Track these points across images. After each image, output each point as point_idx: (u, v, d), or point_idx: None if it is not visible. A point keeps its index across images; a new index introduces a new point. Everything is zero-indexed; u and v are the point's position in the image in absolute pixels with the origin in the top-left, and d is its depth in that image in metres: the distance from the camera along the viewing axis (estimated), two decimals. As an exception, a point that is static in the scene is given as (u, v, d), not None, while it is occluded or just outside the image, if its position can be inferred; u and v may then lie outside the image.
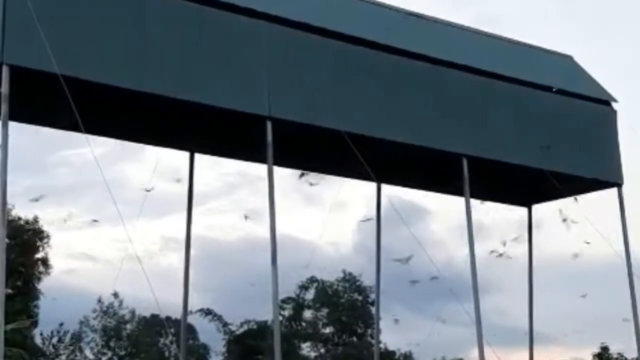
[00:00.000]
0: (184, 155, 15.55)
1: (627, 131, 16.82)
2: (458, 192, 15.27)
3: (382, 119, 14.11)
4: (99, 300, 43.18)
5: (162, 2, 12.36)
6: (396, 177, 16.91)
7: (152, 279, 11.24)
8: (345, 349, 45.68)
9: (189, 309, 17.89)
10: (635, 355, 16.17)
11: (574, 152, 16.36)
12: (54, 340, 41.90)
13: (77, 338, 42.84)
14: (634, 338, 16.17)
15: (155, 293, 11.46)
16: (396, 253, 16.86)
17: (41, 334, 41.01)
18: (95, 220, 17.89)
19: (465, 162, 14.86)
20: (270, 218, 12.74)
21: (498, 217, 18.78)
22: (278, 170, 13.52)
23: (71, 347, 42.52)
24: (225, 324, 44.87)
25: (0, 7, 10.89)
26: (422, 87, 14.71)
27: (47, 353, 41.29)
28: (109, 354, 43.47)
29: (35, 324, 37.99)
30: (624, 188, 16.82)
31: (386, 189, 17.16)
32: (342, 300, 47.48)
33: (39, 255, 37.98)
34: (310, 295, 47.61)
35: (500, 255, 17.68)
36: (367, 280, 43.41)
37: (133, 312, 44.01)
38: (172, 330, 33.67)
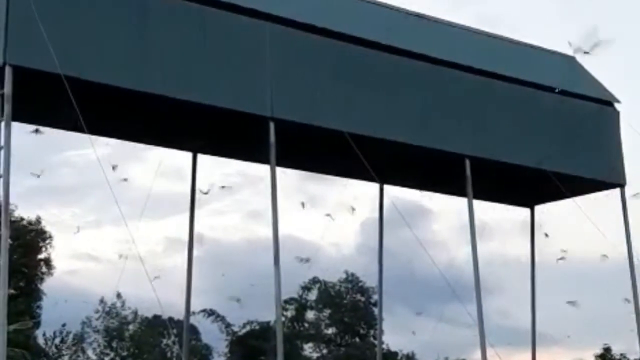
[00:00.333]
0: (187, 155, 15.58)
1: (630, 131, 16.83)
2: (460, 192, 15.25)
3: (384, 119, 14.10)
4: (102, 301, 43.28)
5: (164, 2, 12.35)
6: (398, 178, 16.90)
7: (155, 280, 11.25)
8: (348, 349, 45.64)
9: (192, 309, 17.87)
10: (637, 356, 16.16)
11: (577, 153, 16.36)
12: (57, 340, 41.88)
13: (79, 339, 42.83)
14: (637, 339, 16.15)
15: (158, 294, 11.48)
16: (398, 254, 16.89)
17: (44, 335, 41.03)
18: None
19: (467, 163, 14.85)
20: (273, 219, 12.74)
21: (499, 217, 18.81)
22: (280, 171, 13.51)
23: (74, 348, 42.52)
24: (227, 325, 44.85)
25: (3, 8, 10.91)
26: (423, 87, 14.69)
27: (50, 354, 41.26)
28: (112, 354, 43.46)
29: (37, 324, 38.02)
30: (627, 188, 16.83)
31: (388, 189, 17.16)
32: (345, 301, 47.46)
33: (41, 256, 38.03)
34: (312, 296, 47.63)
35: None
36: (370, 281, 43.46)
37: (135, 313, 44.00)
38: (175, 330, 33.64)
